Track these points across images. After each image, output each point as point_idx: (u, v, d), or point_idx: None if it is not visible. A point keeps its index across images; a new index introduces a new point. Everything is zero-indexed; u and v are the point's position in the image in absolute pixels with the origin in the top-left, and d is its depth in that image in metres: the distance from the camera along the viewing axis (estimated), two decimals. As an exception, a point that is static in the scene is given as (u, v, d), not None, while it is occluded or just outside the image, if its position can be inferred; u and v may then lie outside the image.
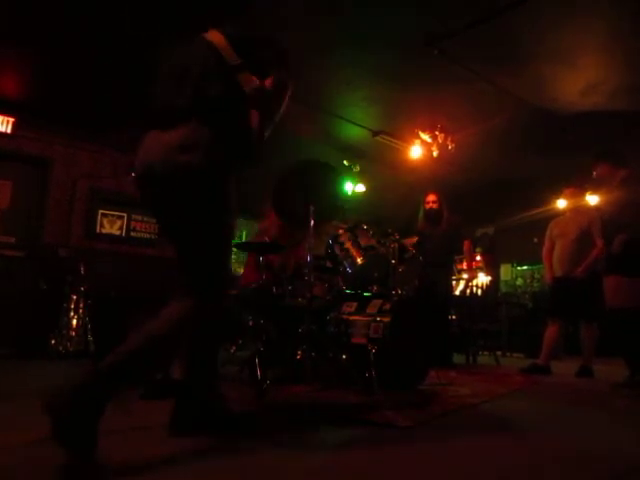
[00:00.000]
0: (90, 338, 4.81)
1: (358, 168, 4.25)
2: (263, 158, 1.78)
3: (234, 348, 3.63)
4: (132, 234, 6.09)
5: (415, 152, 5.57)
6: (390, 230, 3.59)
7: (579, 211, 4.58)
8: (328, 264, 3.64)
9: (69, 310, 4.85)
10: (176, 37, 1.91)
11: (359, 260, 3.40)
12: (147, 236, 6.14)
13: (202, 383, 1.88)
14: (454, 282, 6.15)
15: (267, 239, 3.69)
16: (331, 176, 3.05)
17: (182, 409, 1.84)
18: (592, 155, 3.88)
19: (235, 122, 1.72)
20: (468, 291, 6.02)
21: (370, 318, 2.97)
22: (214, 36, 1.78)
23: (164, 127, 1.65)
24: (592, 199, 5.67)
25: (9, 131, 5.22)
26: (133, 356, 1.53)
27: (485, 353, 6.21)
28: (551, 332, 4.50)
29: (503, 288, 9.30)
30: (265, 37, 1.83)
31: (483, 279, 8.90)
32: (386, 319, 2.89)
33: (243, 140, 1.73)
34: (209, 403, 1.88)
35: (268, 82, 1.75)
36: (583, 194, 4.67)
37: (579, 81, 4.65)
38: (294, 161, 2.99)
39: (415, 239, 4.06)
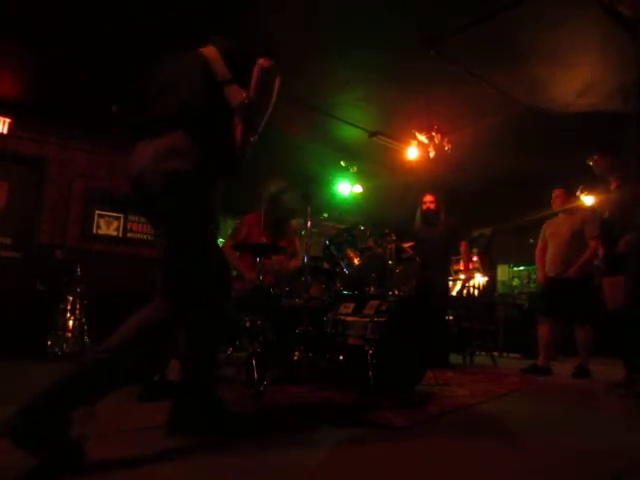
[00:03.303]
0: (87, 339, 4.79)
1: (355, 169, 4.25)
2: (245, 171, 1.81)
3: (231, 349, 3.62)
4: (129, 235, 6.07)
5: (412, 153, 5.57)
6: (387, 231, 3.59)
7: (572, 211, 4.59)
8: (325, 265, 3.64)
9: (65, 311, 4.82)
10: (174, 51, 1.96)
11: (356, 261, 3.40)
12: (144, 237, 6.11)
13: (201, 382, 1.89)
14: (451, 283, 6.16)
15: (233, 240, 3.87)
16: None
17: (181, 408, 1.85)
18: (599, 147, 3.86)
19: (220, 134, 1.77)
20: (465, 292, 6.02)
21: (367, 319, 2.97)
22: (209, 51, 1.85)
23: (152, 136, 1.71)
24: (588, 199, 5.68)
25: (5, 131, 5.21)
26: (102, 362, 1.53)
27: (482, 353, 6.21)
28: (543, 332, 4.52)
29: (500, 289, 9.32)
30: (262, 49, 1.85)
31: (480, 280, 8.92)
32: (383, 320, 2.89)
33: (226, 152, 1.77)
34: (208, 403, 1.88)
35: (252, 90, 1.77)
36: (573, 196, 4.68)
37: (575, 81, 4.66)
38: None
39: (411, 244, 4.07)
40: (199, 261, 1.74)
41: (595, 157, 3.81)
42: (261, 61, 1.77)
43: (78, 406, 1.46)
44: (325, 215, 4.21)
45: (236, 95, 1.75)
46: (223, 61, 1.80)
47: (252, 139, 1.80)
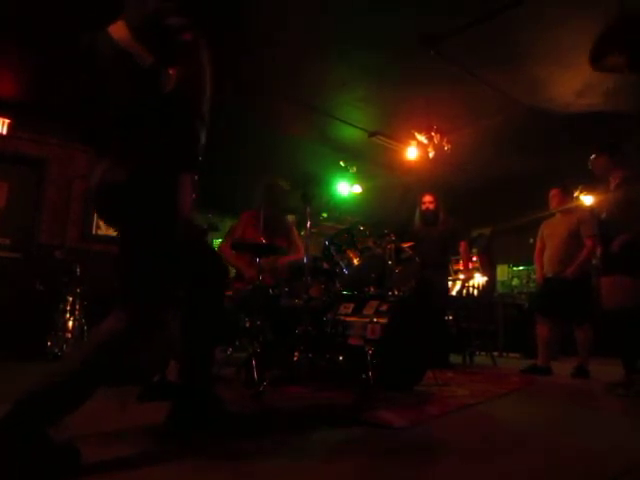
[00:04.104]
0: (86, 340, 4.78)
1: (355, 169, 4.26)
2: (201, 156, 1.64)
3: (231, 349, 3.62)
4: (128, 235, 6.06)
5: (411, 153, 5.57)
6: (387, 231, 3.59)
7: (569, 211, 4.59)
8: (325, 265, 3.64)
9: (65, 311, 4.82)
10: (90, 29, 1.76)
11: (356, 261, 3.40)
12: (143, 237, 6.10)
13: (198, 383, 1.90)
14: (451, 283, 6.16)
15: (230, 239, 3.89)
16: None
17: (179, 409, 1.85)
18: (595, 147, 3.86)
19: (158, 129, 1.61)
20: (464, 292, 6.02)
21: (367, 319, 2.97)
22: (119, 31, 1.65)
23: (102, 153, 1.70)
24: (587, 200, 5.69)
25: (5, 132, 5.20)
26: (73, 372, 1.49)
27: (482, 353, 6.22)
28: (542, 332, 4.52)
29: (499, 288, 9.33)
30: (179, 21, 1.63)
31: (479, 280, 8.92)
32: (383, 320, 2.89)
33: (173, 146, 1.61)
34: (206, 403, 1.89)
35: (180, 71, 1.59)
36: (570, 196, 4.68)
37: (574, 81, 4.66)
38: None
39: (410, 244, 4.07)
40: (157, 263, 1.63)
41: (592, 158, 3.81)
42: (182, 36, 1.59)
43: (52, 421, 1.43)
44: (324, 215, 4.21)
45: (164, 81, 1.58)
46: (136, 40, 1.60)
47: (199, 125, 1.61)
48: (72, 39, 1.93)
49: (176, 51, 1.60)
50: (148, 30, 1.63)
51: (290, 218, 4.19)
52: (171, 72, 1.59)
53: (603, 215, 3.74)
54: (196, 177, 1.65)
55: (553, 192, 4.65)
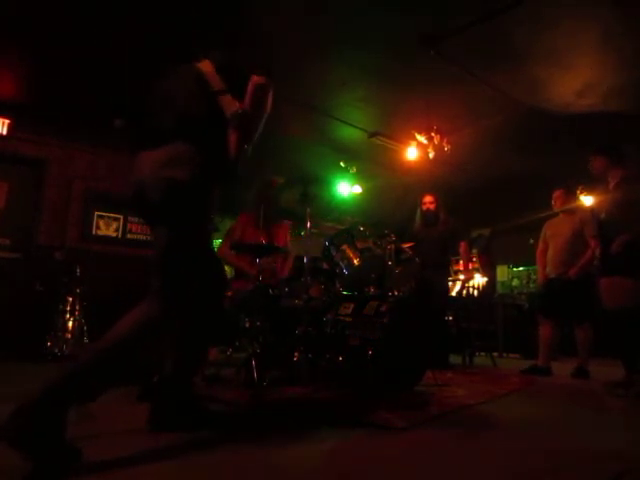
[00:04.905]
0: (86, 340, 4.78)
1: (355, 169, 4.26)
2: (242, 177, 1.90)
3: (231, 350, 3.62)
4: (128, 236, 6.07)
5: (411, 153, 5.57)
6: (387, 231, 3.59)
7: (572, 212, 4.59)
8: (325, 266, 3.64)
9: (65, 312, 4.82)
10: (172, 64, 2.03)
11: (356, 262, 3.40)
12: (144, 237, 6.10)
13: (185, 382, 1.95)
14: (451, 283, 6.16)
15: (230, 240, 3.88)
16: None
17: (161, 407, 1.89)
18: (592, 150, 3.87)
19: (215, 143, 1.83)
20: (464, 292, 6.02)
21: (367, 319, 2.97)
22: (204, 64, 1.94)
23: (152, 147, 1.80)
24: (587, 200, 5.69)
25: (5, 132, 5.20)
26: (98, 360, 1.58)
27: (481, 354, 6.22)
28: (544, 332, 4.52)
29: (499, 289, 9.32)
30: (256, 66, 1.90)
31: (479, 280, 8.92)
32: (383, 321, 2.89)
33: (222, 160, 1.83)
34: (188, 402, 1.94)
35: (247, 101, 1.84)
36: (573, 196, 4.68)
37: (574, 82, 4.66)
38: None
39: (410, 245, 4.06)
40: (193, 263, 1.82)
41: (590, 159, 3.82)
42: (255, 78, 1.84)
43: (71, 405, 1.48)
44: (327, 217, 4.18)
45: (230, 105, 1.83)
46: (217, 74, 1.88)
47: (247, 148, 1.87)
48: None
49: (246, 89, 1.84)
50: (229, 67, 1.94)
51: (286, 222, 4.18)
52: (237, 103, 1.84)
53: (602, 215, 3.74)
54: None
55: (557, 193, 4.65)
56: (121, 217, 6.04)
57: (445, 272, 5.20)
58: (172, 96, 1.91)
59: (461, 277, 6.07)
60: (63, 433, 1.42)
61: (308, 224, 3.38)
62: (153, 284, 1.75)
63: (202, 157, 1.78)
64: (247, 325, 3.36)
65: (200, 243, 1.87)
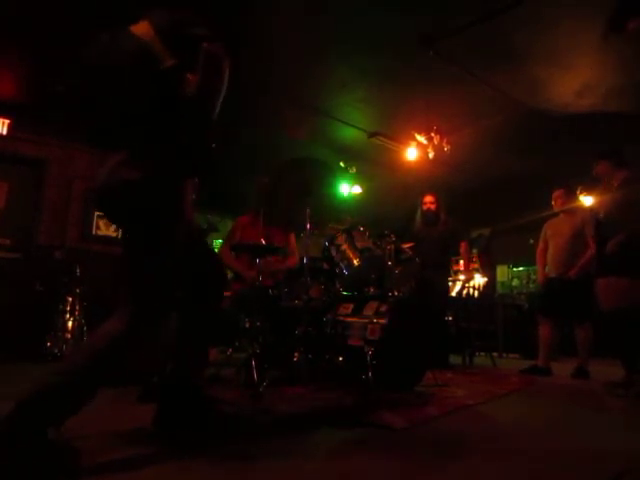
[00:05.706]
0: (86, 340, 4.78)
1: (354, 170, 4.25)
2: (212, 165, 1.68)
3: (230, 350, 3.62)
4: (128, 236, 6.06)
5: (411, 154, 5.57)
6: (387, 232, 3.59)
7: (573, 212, 4.59)
8: (325, 266, 3.64)
9: (65, 312, 4.82)
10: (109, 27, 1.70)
11: (355, 262, 3.40)
12: (143, 238, 6.10)
13: (189, 382, 1.91)
14: (451, 283, 6.16)
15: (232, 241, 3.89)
16: (327, 176, 3.09)
17: (167, 408, 1.87)
18: (594, 154, 3.87)
19: (172, 132, 1.62)
20: (464, 292, 6.02)
21: (367, 320, 2.97)
22: (143, 29, 1.63)
23: (106, 147, 1.69)
24: (587, 200, 5.68)
25: (4, 132, 5.20)
26: (75, 374, 1.49)
27: (481, 354, 6.22)
28: (544, 332, 4.52)
29: (499, 289, 9.32)
30: (206, 31, 1.64)
31: (479, 280, 8.92)
32: (383, 321, 2.89)
33: (184, 149, 1.64)
34: (196, 404, 1.91)
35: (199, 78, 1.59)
36: (573, 196, 4.68)
37: (574, 82, 4.67)
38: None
39: (410, 245, 4.06)
40: (165, 265, 1.67)
41: (594, 165, 3.82)
42: (207, 46, 1.57)
43: (53, 421, 1.43)
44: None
45: (181, 85, 1.59)
46: (160, 42, 1.59)
47: (210, 130, 1.66)
48: (71, 39, 1.91)
49: (198, 58, 1.57)
50: (173, 33, 1.62)
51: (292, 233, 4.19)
52: (190, 78, 1.60)
53: (601, 215, 3.74)
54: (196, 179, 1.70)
55: (557, 193, 4.65)
56: (121, 217, 6.03)
57: (445, 272, 5.20)
58: (113, 84, 1.62)
59: (461, 277, 6.06)
60: (49, 444, 1.39)
61: (308, 225, 3.38)
62: (122, 293, 1.64)
63: (156, 152, 1.61)
64: (247, 325, 3.36)
65: (174, 242, 1.68)
